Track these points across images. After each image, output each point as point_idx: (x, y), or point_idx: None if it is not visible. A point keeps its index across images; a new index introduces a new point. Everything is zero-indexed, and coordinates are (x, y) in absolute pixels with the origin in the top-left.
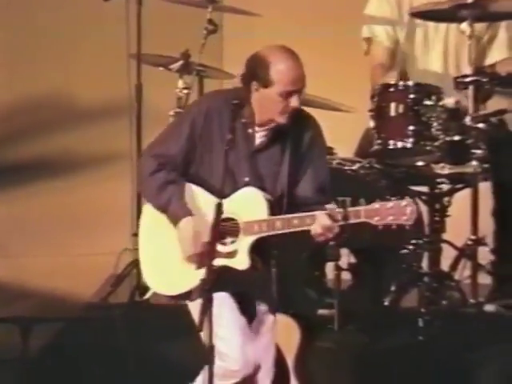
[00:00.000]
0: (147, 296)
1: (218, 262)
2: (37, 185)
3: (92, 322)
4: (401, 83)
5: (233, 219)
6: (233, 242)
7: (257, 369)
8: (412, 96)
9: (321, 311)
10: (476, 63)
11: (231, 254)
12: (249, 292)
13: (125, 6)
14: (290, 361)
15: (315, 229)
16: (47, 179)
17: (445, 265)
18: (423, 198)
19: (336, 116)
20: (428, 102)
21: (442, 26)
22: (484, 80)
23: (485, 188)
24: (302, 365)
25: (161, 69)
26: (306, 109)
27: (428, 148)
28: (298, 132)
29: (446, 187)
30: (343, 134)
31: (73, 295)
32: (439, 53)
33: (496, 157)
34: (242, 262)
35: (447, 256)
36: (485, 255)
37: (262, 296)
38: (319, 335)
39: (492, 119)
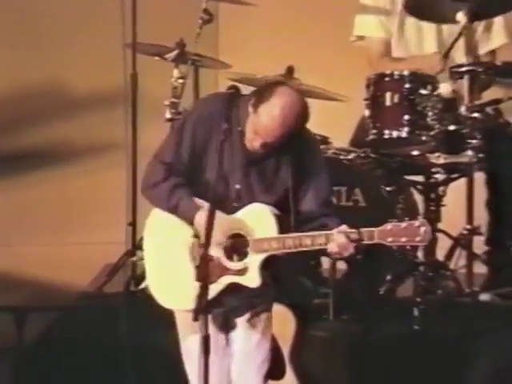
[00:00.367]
0: (142, 286)
1: (228, 279)
2: (32, 174)
3: (87, 312)
4: (396, 72)
5: (242, 235)
6: (242, 259)
7: None
8: (407, 85)
9: (316, 301)
10: (472, 52)
11: (241, 272)
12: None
13: None
14: (285, 350)
15: (332, 247)
16: (43, 169)
17: (440, 254)
18: (418, 187)
19: (331, 106)
20: (423, 92)
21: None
22: (479, 70)
23: (480, 178)
24: (297, 354)
25: (156, 58)
26: None
27: (423, 138)
28: (295, 146)
29: (441, 177)
30: (339, 123)
31: (68, 284)
32: (432, 42)
33: (491, 147)
34: (253, 279)
35: (442, 245)
36: (480, 245)
37: (259, 295)
38: (314, 325)
39: (487, 109)
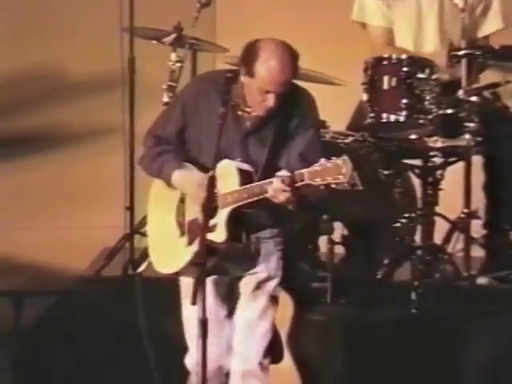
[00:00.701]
0: (140, 269)
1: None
2: (30, 158)
3: (85, 295)
4: (394, 56)
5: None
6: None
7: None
8: (405, 69)
9: (314, 284)
10: (469, 36)
11: (212, 228)
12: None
13: None
14: (283, 334)
15: (270, 193)
16: (41, 152)
17: (438, 238)
18: (416, 171)
19: (329, 90)
20: (421, 76)
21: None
22: (477, 53)
23: (478, 161)
24: (295, 338)
25: (154, 42)
26: (300, 83)
27: (421, 121)
28: (289, 110)
29: (438, 160)
30: (336, 107)
31: (66, 268)
32: (433, 26)
33: (489, 130)
34: (219, 234)
35: (440, 229)
36: (478, 228)
37: (261, 263)
38: (312, 308)
39: (485, 93)
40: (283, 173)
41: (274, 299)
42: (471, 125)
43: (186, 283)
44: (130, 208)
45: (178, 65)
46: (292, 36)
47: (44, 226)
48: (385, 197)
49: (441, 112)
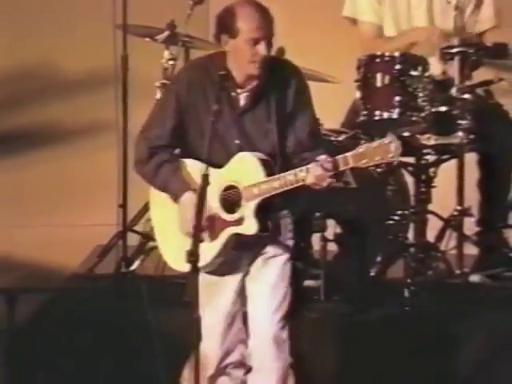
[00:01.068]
0: (133, 267)
1: (228, 231)
2: (23, 156)
3: (78, 293)
4: (387, 54)
5: (234, 187)
6: (237, 210)
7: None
8: (398, 66)
9: (307, 282)
10: (461, 33)
11: (238, 222)
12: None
13: None
14: None
15: (309, 179)
16: (33, 150)
17: (430, 235)
18: (409, 168)
19: (322, 87)
20: (414, 73)
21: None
22: (470, 51)
23: (470, 159)
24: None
25: (147, 39)
26: None
27: (414, 119)
28: (281, 85)
29: (431, 158)
30: (329, 105)
31: (59, 266)
32: (422, 22)
33: (482, 128)
34: (250, 227)
35: (433, 227)
36: (470, 226)
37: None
38: (305, 306)
39: (478, 90)
40: (321, 158)
41: (285, 270)
42: (464, 122)
43: (208, 277)
44: (123, 206)
45: (171, 62)
46: (285, 33)
47: (37, 223)
48: (378, 194)
49: (434, 109)
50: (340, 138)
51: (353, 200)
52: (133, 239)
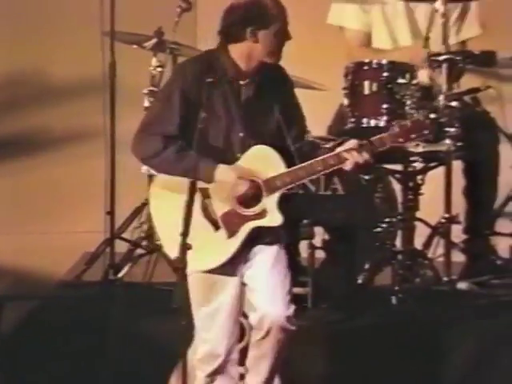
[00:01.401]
0: (121, 274)
1: (249, 225)
2: (10, 163)
3: (66, 300)
4: (374, 61)
5: (252, 181)
6: (257, 203)
7: None
8: (386, 74)
9: (295, 289)
10: (445, 41)
11: (261, 215)
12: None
13: None
14: None
15: (349, 165)
16: (21, 157)
17: (418, 243)
18: (397, 176)
19: (310, 94)
20: (401, 81)
21: (411, 5)
22: (457, 58)
23: (458, 166)
24: None
25: (134, 46)
26: None
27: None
28: (278, 78)
29: (419, 165)
30: (317, 112)
31: (47, 273)
32: (406, 29)
33: (469, 135)
34: (275, 219)
35: (420, 234)
36: (458, 233)
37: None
38: (293, 313)
39: (465, 97)
40: (353, 143)
41: (280, 254)
42: (452, 130)
43: (207, 277)
44: (111, 213)
45: (159, 69)
46: None
47: (24, 230)
48: (365, 201)
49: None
50: (328, 145)
51: (341, 207)
52: (120, 246)
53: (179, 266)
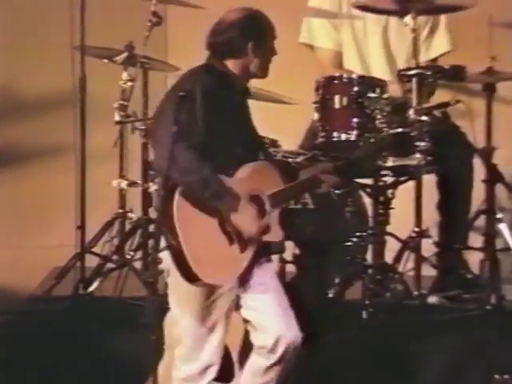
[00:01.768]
0: (91, 289)
1: (257, 239)
2: None
3: (35, 315)
4: (345, 75)
5: (257, 196)
6: (262, 218)
7: None
8: (356, 88)
9: None
10: (415, 57)
11: (266, 230)
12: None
13: None
14: (234, 353)
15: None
16: None
17: (389, 257)
18: (367, 190)
19: (280, 108)
20: (372, 95)
21: (381, 18)
22: (427, 73)
23: (429, 180)
24: (246, 358)
25: (105, 61)
26: (251, 101)
27: (372, 140)
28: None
29: (389, 179)
30: (287, 126)
31: (17, 287)
32: (378, 46)
33: (439, 149)
34: (277, 234)
35: (391, 248)
36: (428, 247)
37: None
38: None
39: (435, 112)
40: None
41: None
42: (422, 144)
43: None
44: (81, 227)
45: (130, 84)
46: None
47: None
48: (336, 216)
49: (392, 131)
50: (298, 160)
51: (311, 221)
52: (91, 261)
53: (150, 280)
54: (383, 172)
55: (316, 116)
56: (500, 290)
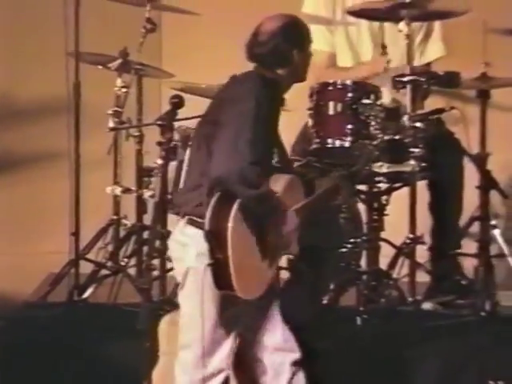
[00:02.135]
0: (86, 295)
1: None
2: None
3: (30, 321)
4: (339, 82)
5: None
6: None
7: None
8: (350, 95)
9: None
10: (410, 62)
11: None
12: None
13: (63, 3)
14: None
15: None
16: None
17: (383, 263)
18: (361, 196)
19: None
20: (366, 101)
21: (375, 24)
22: (422, 79)
23: (423, 186)
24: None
25: (99, 67)
26: None
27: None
28: None
29: (384, 186)
30: (282, 133)
31: (11, 294)
32: (371, 51)
33: (434, 156)
34: (294, 247)
35: (385, 254)
36: (422, 253)
37: None
38: None
39: (430, 118)
40: None
41: None
42: (416, 150)
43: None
44: (76, 234)
45: (124, 90)
46: (238, 59)
47: None
48: (330, 222)
49: (386, 137)
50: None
51: (305, 227)
52: (85, 267)
53: (143, 287)
54: (377, 178)
55: (310, 122)
56: (494, 296)
